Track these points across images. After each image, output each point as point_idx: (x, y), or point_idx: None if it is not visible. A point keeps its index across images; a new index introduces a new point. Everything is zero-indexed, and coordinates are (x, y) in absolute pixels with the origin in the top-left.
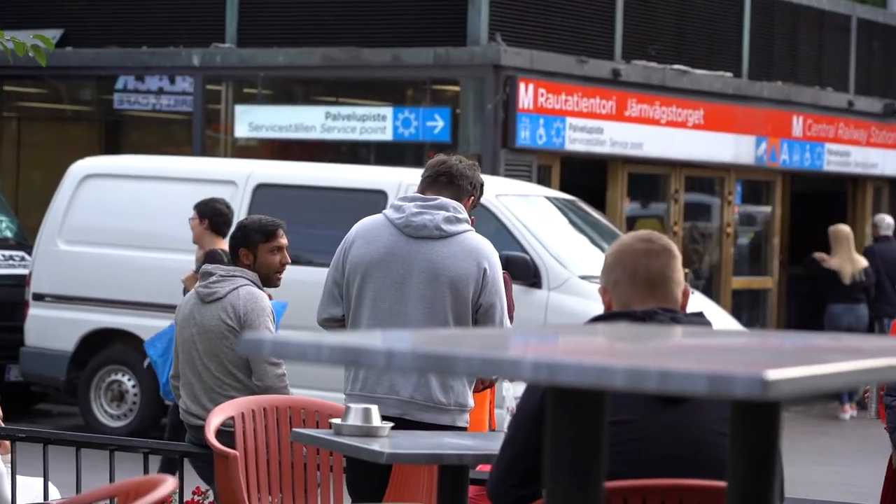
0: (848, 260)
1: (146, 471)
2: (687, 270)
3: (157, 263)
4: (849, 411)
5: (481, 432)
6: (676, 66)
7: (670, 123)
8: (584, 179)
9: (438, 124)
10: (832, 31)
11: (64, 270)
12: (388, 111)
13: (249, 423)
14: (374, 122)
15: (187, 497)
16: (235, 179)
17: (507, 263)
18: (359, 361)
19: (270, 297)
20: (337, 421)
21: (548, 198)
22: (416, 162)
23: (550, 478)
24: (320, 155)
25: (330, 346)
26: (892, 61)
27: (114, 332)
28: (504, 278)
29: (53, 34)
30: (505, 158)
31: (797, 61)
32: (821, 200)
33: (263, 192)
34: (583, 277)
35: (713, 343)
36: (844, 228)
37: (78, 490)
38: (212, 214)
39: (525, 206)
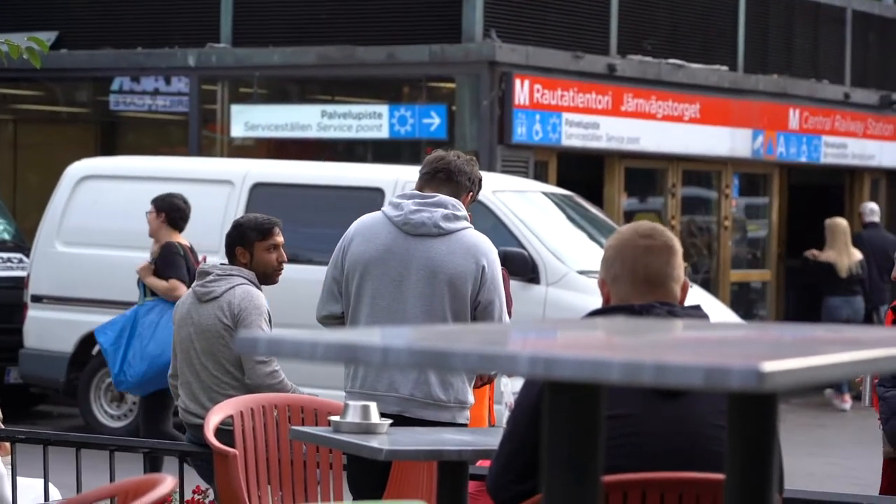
0: (844, 253)
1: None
2: (686, 264)
3: None
4: (848, 401)
5: (480, 428)
6: (672, 61)
7: (666, 118)
8: (580, 175)
9: (434, 121)
10: (827, 24)
11: (62, 272)
12: (384, 109)
13: (248, 421)
14: (371, 119)
15: (187, 496)
16: (232, 179)
17: (505, 259)
18: (354, 358)
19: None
20: (336, 418)
21: (545, 193)
22: (412, 159)
23: (548, 472)
24: (317, 153)
25: (325, 344)
26: (887, 53)
27: None
28: (502, 274)
29: (48, 36)
30: (501, 154)
31: (793, 54)
32: (818, 193)
33: (260, 192)
34: (581, 272)
35: (710, 336)
36: (841, 222)
37: (78, 490)
38: (168, 209)
39: (522, 201)
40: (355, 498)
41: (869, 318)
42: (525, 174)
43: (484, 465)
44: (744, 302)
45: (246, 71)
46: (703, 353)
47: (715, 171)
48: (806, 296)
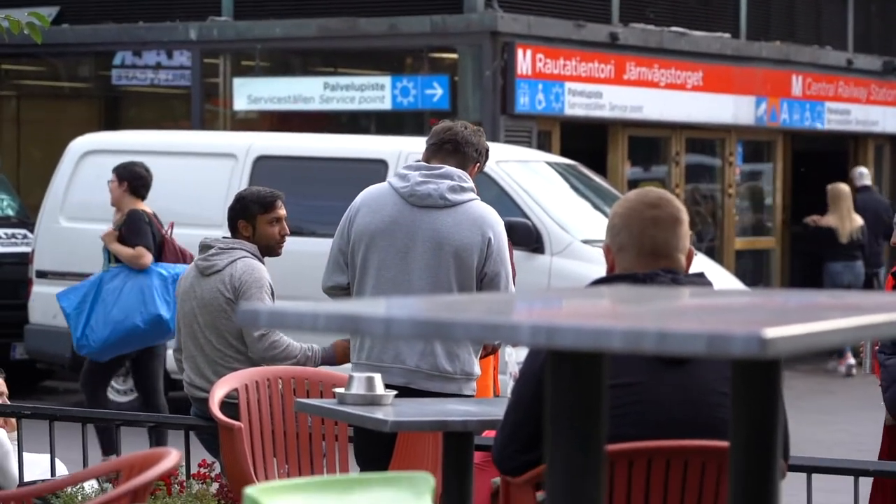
0: (847, 218)
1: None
2: (690, 233)
3: None
4: (847, 360)
5: (485, 398)
6: (674, 29)
7: (669, 86)
8: (584, 144)
9: (437, 92)
10: None
11: (66, 247)
12: (386, 80)
13: (253, 394)
14: (373, 91)
15: (193, 470)
16: (235, 152)
17: (509, 230)
18: (356, 329)
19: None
20: (340, 390)
21: (548, 163)
22: (415, 130)
23: (551, 441)
24: (320, 126)
25: (326, 315)
26: (890, 19)
27: None
28: None
29: (49, 11)
30: (504, 125)
31: (795, 20)
32: (822, 159)
33: (263, 165)
34: (585, 242)
35: (713, 303)
36: (843, 187)
37: (85, 465)
38: (130, 177)
39: (526, 171)
40: (362, 470)
41: (869, 283)
42: (528, 144)
43: (489, 435)
44: (748, 269)
45: (248, 44)
46: (705, 320)
47: (718, 139)
48: (807, 262)
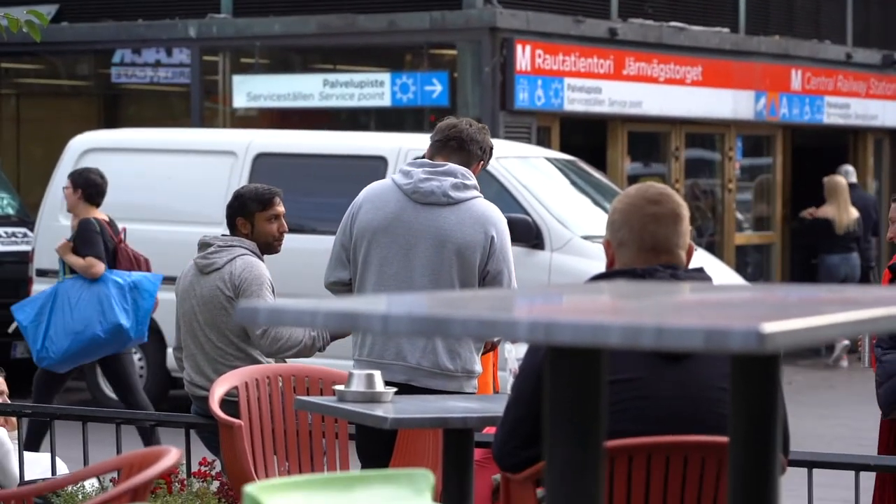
0: (844, 210)
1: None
2: (690, 228)
3: (159, 236)
4: (845, 359)
5: (486, 395)
6: (673, 24)
7: (669, 81)
8: (583, 139)
9: (436, 89)
10: None
11: None
12: (385, 77)
13: (253, 392)
14: (372, 88)
15: (194, 468)
16: (235, 150)
17: (509, 226)
18: (355, 326)
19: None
20: (340, 388)
21: (548, 159)
22: (415, 127)
23: (550, 438)
24: (319, 123)
25: (325, 312)
26: (889, 12)
27: None
28: None
29: (48, 10)
30: (504, 121)
31: (794, 14)
32: (822, 153)
33: (263, 162)
34: (585, 238)
35: (712, 298)
36: (840, 180)
37: (85, 464)
38: (84, 184)
39: (525, 167)
40: (363, 466)
41: (866, 276)
42: (528, 140)
43: (490, 432)
44: (749, 264)
45: (247, 41)
46: (704, 315)
47: (718, 134)
48: (805, 255)
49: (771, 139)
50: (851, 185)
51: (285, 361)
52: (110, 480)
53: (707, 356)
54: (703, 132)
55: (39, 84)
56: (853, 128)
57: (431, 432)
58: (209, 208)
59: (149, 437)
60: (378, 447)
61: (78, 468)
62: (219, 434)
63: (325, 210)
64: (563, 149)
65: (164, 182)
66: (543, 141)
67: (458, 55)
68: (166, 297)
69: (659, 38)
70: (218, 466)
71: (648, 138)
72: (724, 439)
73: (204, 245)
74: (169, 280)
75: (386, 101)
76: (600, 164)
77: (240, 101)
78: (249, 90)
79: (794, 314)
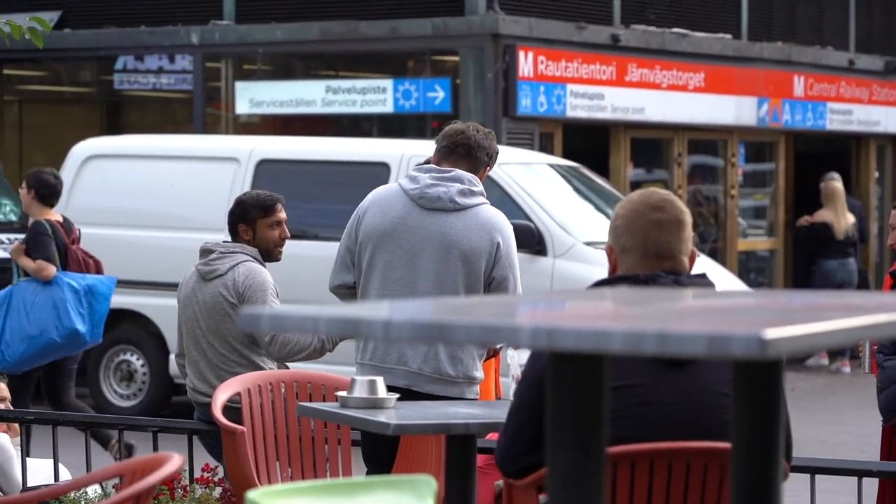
0: (842, 215)
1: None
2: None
3: (162, 243)
4: (847, 364)
5: (488, 401)
6: (675, 30)
7: (671, 87)
8: (586, 146)
9: (439, 95)
10: None
11: None
12: (388, 83)
13: (256, 398)
14: (375, 94)
15: (196, 474)
16: (237, 156)
17: None
18: (356, 332)
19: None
20: (343, 394)
21: (550, 165)
22: (418, 133)
23: (552, 444)
24: (322, 129)
25: (327, 318)
26: (892, 18)
27: (121, 313)
28: None
29: (51, 16)
30: (506, 127)
31: (797, 21)
32: (824, 159)
33: (266, 168)
34: (588, 244)
35: (714, 304)
36: (838, 185)
37: (88, 470)
38: (38, 185)
39: (528, 174)
40: (369, 470)
41: (864, 281)
42: (530, 146)
43: (492, 438)
44: (752, 270)
45: (249, 47)
46: (706, 321)
47: (721, 140)
48: (805, 262)
49: (773, 145)
50: None
51: (287, 367)
52: (113, 486)
53: (709, 362)
54: (706, 138)
55: (42, 90)
56: (856, 134)
57: (434, 438)
58: (211, 215)
59: (95, 435)
60: (382, 453)
61: (80, 474)
62: (221, 440)
63: (327, 216)
64: (565, 155)
65: (167, 188)
66: (546, 147)
67: (461, 62)
68: (169, 303)
69: (661, 44)
70: (220, 472)
71: (651, 144)
72: (727, 445)
73: (206, 251)
74: (171, 286)
75: (388, 108)
76: (603, 171)
77: (242, 107)
78: (252, 96)
79: (796, 320)
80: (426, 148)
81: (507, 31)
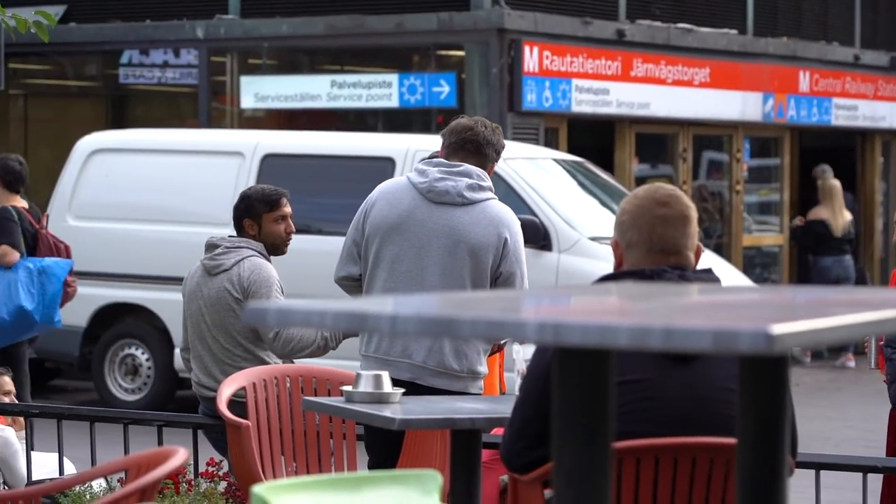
0: (839, 213)
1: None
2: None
3: (167, 237)
4: (852, 359)
5: (494, 396)
6: (681, 25)
7: (676, 82)
8: (591, 141)
9: (444, 90)
10: None
11: (74, 246)
12: (393, 78)
13: (261, 392)
14: (380, 89)
15: (202, 468)
16: (243, 150)
17: None
18: (363, 327)
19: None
20: (348, 388)
21: (556, 160)
22: (423, 128)
23: (558, 438)
24: (327, 123)
25: (334, 313)
26: None
27: (126, 307)
28: None
29: (56, 10)
30: (512, 122)
31: (802, 16)
32: (830, 155)
33: (271, 163)
34: (593, 239)
35: (720, 299)
36: (835, 182)
37: (93, 464)
38: (3, 172)
39: (533, 168)
40: (371, 459)
41: (861, 277)
42: (535, 141)
43: (498, 433)
44: (756, 266)
45: (255, 42)
46: (712, 316)
47: (726, 136)
48: (806, 258)
49: (779, 141)
50: None
51: (293, 362)
52: (118, 481)
53: (715, 357)
54: (711, 134)
55: (47, 84)
56: (861, 129)
57: (439, 433)
58: (216, 209)
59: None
60: (386, 447)
61: (85, 468)
62: (226, 434)
63: (332, 211)
64: (570, 150)
65: (172, 183)
66: (551, 142)
67: (466, 56)
68: (173, 297)
69: (667, 39)
70: (225, 467)
71: (656, 140)
72: (732, 441)
73: (211, 246)
74: (176, 280)
75: (394, 102)
76: (608, 166)
77: (247, 101)
78: (257, 91)
79: (802, 315)
80: (431, 142)
81: (512, 25)
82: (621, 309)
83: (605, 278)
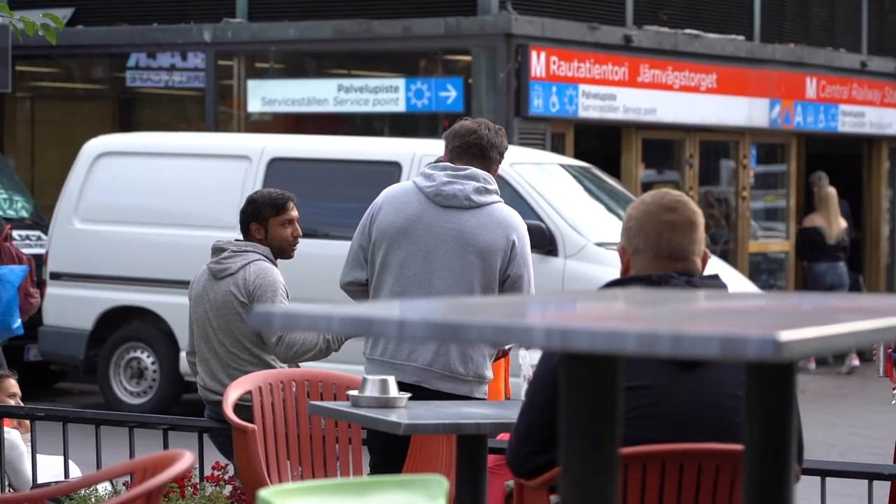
0: (834, 220)
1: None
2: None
3: (173, 240)
4: (856, 358)
5: (499, 401)
6: (688, 31)
7: (683, 88)
8: (598, 146)
9: (451, 94)
10: None
11: (80, 249)
12: (400, 82)
13: (267, 396)
14: (387, 93)
15: (207, 472)
16: (249, 154)
17: None
18: (370, 332)
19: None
20: (354, 393)
21: (562, 165)
22: (430, 133)
23: (565, 444)
24: (334, 128)
25: (341, 317)
26: None
27: (131, 310)
28: None
29: (64, 13)
30: (518, 127)
31: (809, 23)
32: (836, 162)
33: (277, 166)
34: (599, 244)
35: (727, 305)
36: (832, 190)
37: (98, 467)
38: None
39: (540, 174)
40: (373, 460)
41: (856, 284)
42: (542, 146)
43: (504, 438)
44: (763, 272)
45: (262, 45)
46: (720, 322)
47: (732, 142)
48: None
49: (785, 147)
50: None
51: (298, 366)
52: (123, 484)
53: (721, 363)
54: (718, 140)
55: (54, 87)
56: (868, 136)
57: (445, 438)
58: (223, 213)
59: None
60: (391, 452)
61: (91, 471)
62: (232, 438)
63: (339, 215)
64: (577, 155)
65: (178, 186)
66: (558, 147)
67: (473, 61)
68: (179, 300)
69: (674, 45)
70: (231, 471)
71: (663, 145)
72: (739, 447)
73: (217, 250)
74: (182, 284)
75: (400, 107)
76: (614, 171)
77: (254, 105)
78: (264, 95)
79: (809, 322)
80: (438, 147)
81: (519, 30)
82: (629, 315)
83: (612, 284)
